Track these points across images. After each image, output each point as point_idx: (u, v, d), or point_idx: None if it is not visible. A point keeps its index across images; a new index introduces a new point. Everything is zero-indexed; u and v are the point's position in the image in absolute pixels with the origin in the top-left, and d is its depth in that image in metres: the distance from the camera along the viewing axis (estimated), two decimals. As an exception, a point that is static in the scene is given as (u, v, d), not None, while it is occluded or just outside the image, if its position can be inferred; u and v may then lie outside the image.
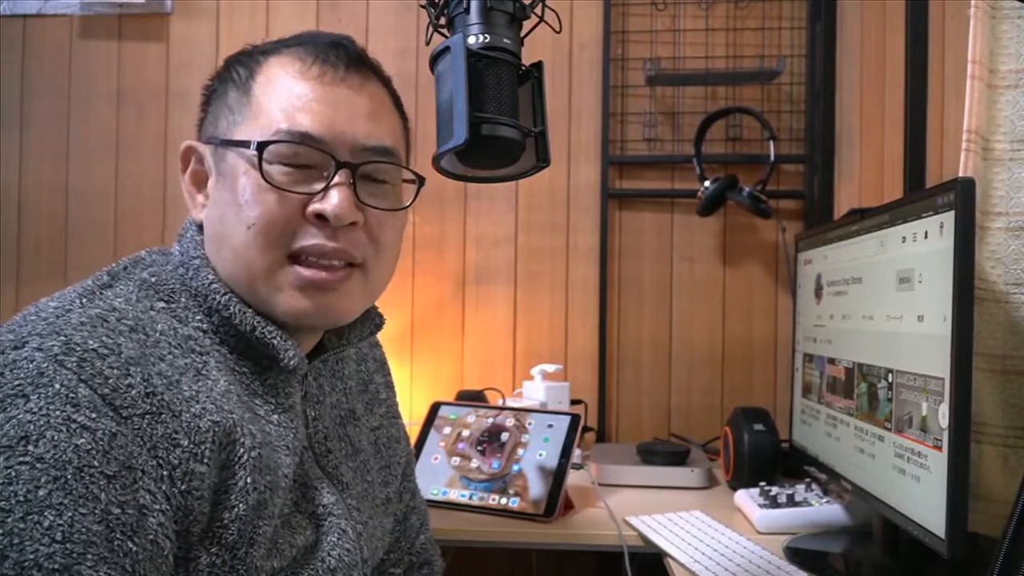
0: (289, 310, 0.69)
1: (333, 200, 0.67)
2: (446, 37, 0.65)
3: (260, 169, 0.67)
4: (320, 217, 0.68)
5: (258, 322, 0.68)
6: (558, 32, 0.71)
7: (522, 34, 0.66)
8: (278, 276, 0.68)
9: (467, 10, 0.63)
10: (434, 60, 0.65)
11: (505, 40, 0.63)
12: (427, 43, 0.66)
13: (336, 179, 0.68)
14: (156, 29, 1.95)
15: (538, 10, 0.67)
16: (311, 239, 0.68)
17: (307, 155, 0.68)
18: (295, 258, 0.68)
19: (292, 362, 0.69)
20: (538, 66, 0.68)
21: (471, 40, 0.62)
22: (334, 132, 0.69)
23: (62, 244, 1.94)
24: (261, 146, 0.67)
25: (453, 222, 1.90)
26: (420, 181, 0.76)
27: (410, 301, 1.90)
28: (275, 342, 0.68)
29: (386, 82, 0.76)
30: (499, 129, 0.62)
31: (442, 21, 0.66)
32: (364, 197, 0.70)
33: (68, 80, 1.95)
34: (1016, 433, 0.98)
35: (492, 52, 0.63)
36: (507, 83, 0.63)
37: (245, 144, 0.68)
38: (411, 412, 1.80)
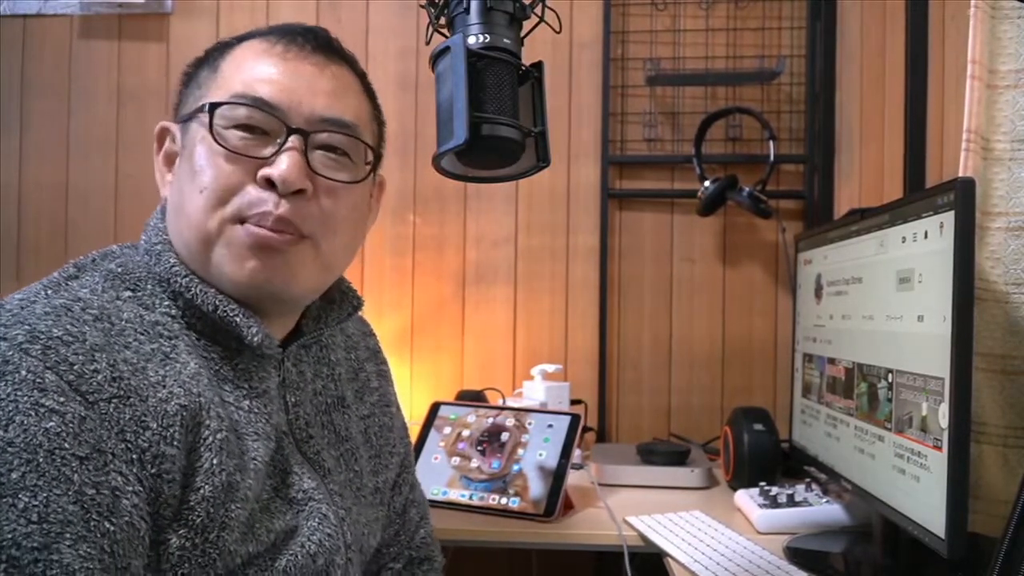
0: (236, 271, 0.68)
1: (281, 165, 0.67)
2: (446, 37, 0.65)
3: (211, 130, 0.68)
4: (269, 182, 0.68)
5: (220, 301, 0.68)
6: (558, 32, 0.71)
7: (522, 34, 0.66)
8: (227, 235, 0.68)
9: (467, 10, 0.63)
10: (434, 60, 0.65)
11: (505, 40, 0.63)
12: (427, 43, 0.66)
13: (287, 144, 0.68)
14: (156, 29, 1.95)
15: (538, 10, 0.67)
16: (259, 206, 0.67)
17: (261, 120, 0.69)
18: (243, 222, 0.68)
19: (256, 339, 0.68)
20: (538, 66, 0.67)
21: (471, 40, 0.62)
22: (290, 100, 0.69)
23: (62, 244, 1.94)
24: (213, 107, 0.68)
25: (453, 222, 1.90)
26: (376, 157, 0.76)
27: (410, 301, 1.90)
28: (237, 319, 0.68)
29: (359, 73, 0.77)
30: (499, 129, 0.62)
31: (442, 21, 0.66)
32: (316, 167, 0.70)
33: (68, 80, 1.95)
34: (1016, 433, 0.98)
35: (492, 52, 0.63)
36: (507, 83, 0.63)
37: (201, 109, 0.69)
38: (411, 412, 1.80)
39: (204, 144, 0.69)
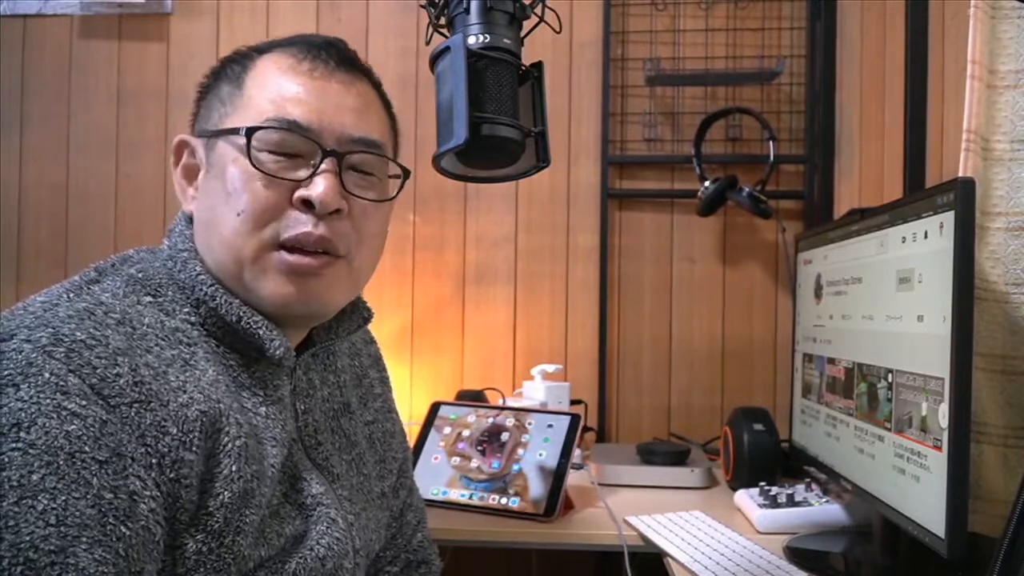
0: (274, 295, 0.69)
1: (319, 187, 0.69)
2: (446, 37, 0.65)
3: (248, 155, 0.68)
4: (306, 203, 0.69)
5: (244, 312, 0.69)
6: (558, 32, 0.71)
7: (522, 34, 0.66)
8: (264, 261, 0.69)
9: (467, 10, 0.63)
10: (434, 60, 0.65)
11: (505, 40, 0.63)
12: (427, 43, 0.67)
13: (323, 166, 0.70)
14: (156, 29, 1.95)
15: (538, 10, 0.67)
16: (298, 227, 0.69)
17: (294, 143, 0.70)
18: (282, 246, 0.69)
19: (278, 352, 0.69)
20: (538, 66, 0.68)
21: (471, 40, 0.62)
22: (321, 122, 0.70)
23: (62, 244, 1.94)
24: (250, 132, 0.69)
25: (453, 222, 1.90)
26: (405, 175, 0.78)
27: (410, 301, 1.90)
28: (260, 332, 0.69)
29: (376, 85, 0.78)
30: (499, 129, 0.62)
31: (442, 21, 0.66)
32: (349, 187, 0.71)
33: (68, 80, 1.95)
34: (1016, 433, 0.98)
35: (492, 52, 0.63)
36: (507, 83, 0.63)
37: (235, 131, 0.70)
38: (411, 412, 1.80)
39: (238, 166, 0.69)
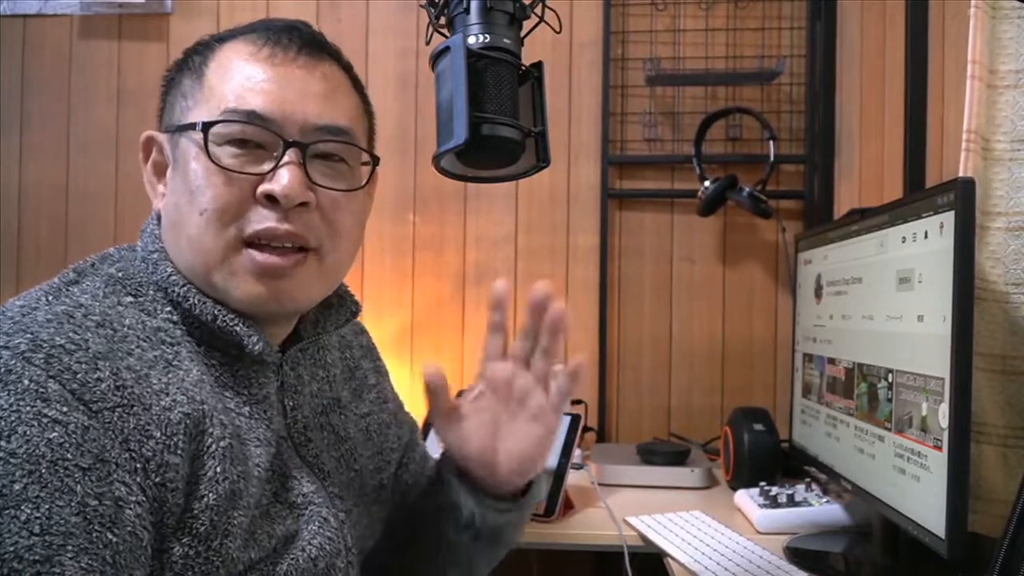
0: (243, 296, 0.67)
1: (282, 180, 0.66)
2: (446, 37, 0.65)
3: (207, 151, 0.66)
4: (270, 198, 0.66)
5: (218, 311, 0.67)
6: (558, 32, 0.71)
7: (522, 34, 0.66)
8: (232, 261, 0.67)
9: (467, 10, 0.63)
10: (434, 60, 0.65)
11: (505, 40, 0.64)
12: (427, 43, 0.66)
13: (285, 158, 0.67)
14: (156, 29, 1.95)
15: (538, 10, 0.67)
16: (263, 223, 0.66)
17: (255, 134, 0.67)
18: (249, 243, 0.67)
19: (256, 348, 0.68)
20: (538, 66, 0.68)
21: (471, 40, 0.63)
22: (283, 111, 0.67)
23: (62, 243, 1.94)
24: (206, 126, 0.66)
25: (453, 222, 1.90)
26: (374, 161, 0.75)
27: (410, 301, 1.90)
28: (237, 329, 0.67)
29: (345, 66, 0.75)
30: (499, 129, 0.62)
31: (442, 21, 0.66)
32: (316, 177, 0.68)
33: (68, 80, 1.95)
34: (1016, 433, 0.98)
35: (492, 52, 0.63)
36: (507, 83, 0.64)
37: (192, 126, 0.67)
38: (411, 412, 1.80)
39: (199, 162, 0.67)
